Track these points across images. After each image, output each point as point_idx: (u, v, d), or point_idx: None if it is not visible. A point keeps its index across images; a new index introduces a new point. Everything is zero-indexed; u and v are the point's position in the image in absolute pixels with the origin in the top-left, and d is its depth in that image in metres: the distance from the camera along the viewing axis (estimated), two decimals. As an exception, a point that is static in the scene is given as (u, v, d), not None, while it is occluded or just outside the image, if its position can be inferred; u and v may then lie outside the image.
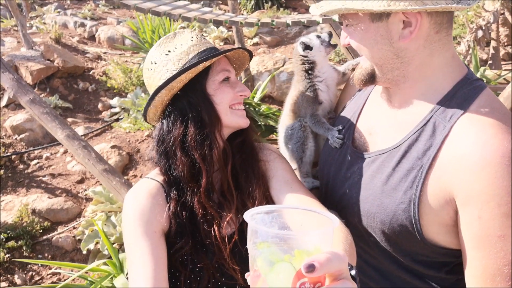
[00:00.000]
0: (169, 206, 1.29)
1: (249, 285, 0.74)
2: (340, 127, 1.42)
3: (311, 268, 0.64)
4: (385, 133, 1.25)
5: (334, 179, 1.37)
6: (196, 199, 1.29)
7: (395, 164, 1.16)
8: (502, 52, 6.66)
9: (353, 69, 1.57)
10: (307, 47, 1.54)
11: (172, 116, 1.32)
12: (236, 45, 6.18)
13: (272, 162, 1.40)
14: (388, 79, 1.19)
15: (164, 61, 1.31)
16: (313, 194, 1.53)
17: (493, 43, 6.24)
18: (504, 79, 5.37)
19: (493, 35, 6.16)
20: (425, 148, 1.11)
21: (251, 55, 1.45)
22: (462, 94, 1.12)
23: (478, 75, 5.49)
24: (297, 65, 1.58)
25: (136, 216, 1.25)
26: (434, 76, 1.16)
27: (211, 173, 1.31)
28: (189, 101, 1.30)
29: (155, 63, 1.33)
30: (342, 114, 1.48)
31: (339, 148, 1.38)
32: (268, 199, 1.33)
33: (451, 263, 1.18)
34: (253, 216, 0.76)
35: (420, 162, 1.11)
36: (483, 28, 5.90)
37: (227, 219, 1.29)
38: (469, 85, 1.13)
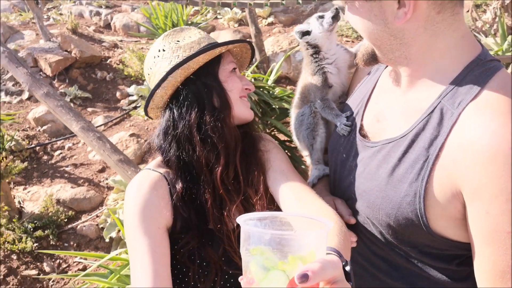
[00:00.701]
0: (173, 198, 1.27)
1: None
2: (349, 113, 1.36)
3: (304, 278, 0.64)
4: (393, 120, 1.18)
5: (341, 168, 1.32)
6: (207, 186, 1.28)
7: (401, 154, 1.10)
8: (532, 18, 6.27)
9: None
10: (304, 33, 1.47)
11: (185, 100, 1.30)
12: (250, 26, 6.06)
13: (270, 153, 1.38)
14: (390, 59, 1.13)
15: (174, 48, 1.31)
16: (325, 182, 1.50)
17: (522, 9, 5.87)
18: (534, 47, 5.06)
19: (522, 0, 5.79)
20: (432, 137, 1.04)
21: (253, 52, 1.48)
22: (473, 77, 1.03)
23: (505, 44, 5.19)
24: (303, 50, 1.52)
25: (139, 211, 1.23)
26: (441, 58, 1.07)
27: (229, 155, 1.30)
28: (204, 83, 1.29)
29: (164, 50, 1.32)
30: (351, 99, 1.42)
31: (347, 136, 1.32)
32: (267, 189, 1.31)
33: (462, 256, 1.12)
34: (246, 221, 0.75)
35: (427, 153, 1.04)
36: (511, -7, 5.54)
37: (235, 206, 1.28)
38: (481, 66, 1.04)
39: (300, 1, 3.46)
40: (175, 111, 1.30)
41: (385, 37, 1.07)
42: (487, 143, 0.93)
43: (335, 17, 1.45)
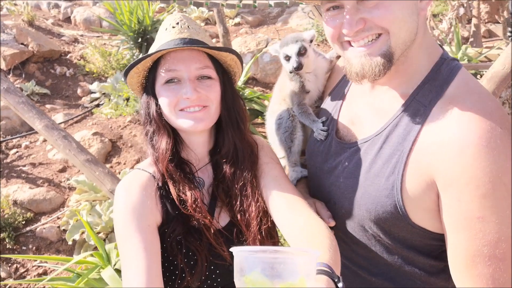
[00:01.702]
0: (161, 194, 1.29)
1: None
2: (324, 119, 1.41)
3: None
4: (367, 121, 1.25)
5: (321, 170, 1.37)
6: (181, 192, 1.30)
7: (377, 150, 1.17)
8: (483, 29, 6.70)
9: (338, 56, 1.53)
10: (288, 56, 1.49)
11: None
12: (217, 26, 6.04)
13: (263, 158, 1.39)
14: (398, 61, 1.12)
15: (156, 38, 1.35)
16: (303, 184, 1.54)
17: (474, 21, 6.26)
18: (485, 57, 5.42)
19: (474, 12, 6.17)
20: (405, 132, 1.11)
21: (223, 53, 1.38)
22: (440, 76, 1.12)
23: (460, 53, 5.52)
24: (282, 60, 1.53)
25: (128, 210, 1.24)
26: (421, 56, 1.15)
27: (163, 158, 1.32)
28: (145, 92, 1.36)
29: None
30: (325, 104, 1.47)
31: (324, 140, 1.37)
32: (259, 196, 1.32)
33: (439, 248, 1.19)
34: (239, 253, 0.79)
35: (401, 147, 1.11)
36: (465, 5, 5.90)
37: (216, 216, 1.31)
38: (446, 65, 1.14)
39: (272, 4, 3.50)
40: (142, 101, 1.37)
41: (414, 31, 1.09)
42: (457, 136, 1.01)
43: (300, 54, 1.46)
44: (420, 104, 1.11)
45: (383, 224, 1.18)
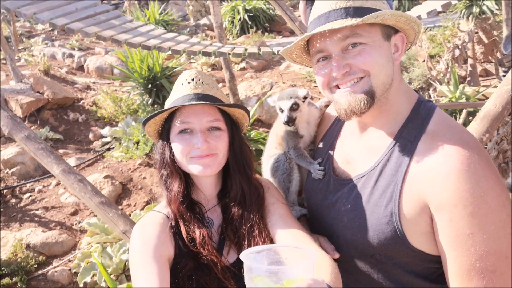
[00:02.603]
0: (174, 232, 1.40)
1: None
2: (320, 160, 1.54)
3: None
4: (361, 159, 1.39)
5: (321, 206, 1.48)
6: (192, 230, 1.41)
7: (373, 183, 1.30)
8: (479, 68, 6.94)
9: (326, 106, 1.69)
10: (282, 109, 1.64)
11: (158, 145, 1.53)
12: (224, 71, 6.33)
13: (269, 198, 1.50)
14: (380, 101, 1.29)
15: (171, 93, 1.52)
16: (303, 221, 1.63)
17: (470, 61, 6.51)
18: (483, 95, 5.60)
19: (469, 53, 6.43)
20: (396, 165, 1.27)
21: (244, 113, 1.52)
22: (420, 116, 1.31)
23: (457, 92, 5.71)
24: (278, 110, 1.68)
25: (143, 242, 1.36)
26: (400, 100, 1.33)
27: (175, 199, 1.44)
28: (161, 139, 1.50)
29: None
30: (320, 146, 1.61)
31: (322, 179, 1.50)
32: (266, 236, 1.41)
33: (436, 271, 1.29)
34: (247, 255, 0.93)
35: (395, 178, 1.26)
36: (460, 47, 6.17)
37: (224, 254, 1.41)
38: (423, 106, 1.33)
39: (276, 52, 3.74)
40: (158, 146, 1.51)
41: (390, 74, 1.29)
42: (442, 164, 1.17)
43: (292, 109, 1.60)
44: (407, 140, 1.28)
45: (385, 250, 1.29)
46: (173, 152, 1.46)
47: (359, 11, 1.23)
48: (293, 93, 1.62)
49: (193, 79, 1.46)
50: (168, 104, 1.46)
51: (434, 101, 5.79)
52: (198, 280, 1.36)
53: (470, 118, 4.86)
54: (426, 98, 1.40)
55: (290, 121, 1.59)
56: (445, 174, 1.16)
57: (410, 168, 1.24)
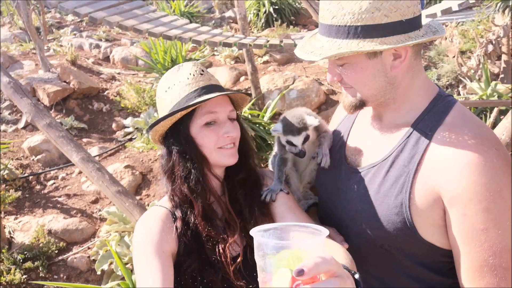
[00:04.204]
0: (176, 227, 1.38)
1: None
2: (283, 188, 1.49)
3: (300, 273, 0.76)
4: (374, 149, 1.37)
5: (332, 196, 1.47)
6: (198, 222, 1.39)
7: (385, 173, 1.29)
8: (514, 65, 6.61)
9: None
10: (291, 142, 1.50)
11: (168, 147, 1.44)
12: (247, 64, 6.28)
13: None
14: (381, 102, 1.32)
15: (163, 98, 1.44)
16: (311, 213, 1.60)
17: (504, 57, 6.20)
18: (517, 93, 5.33)
19: (503, 49, 6.12)
20: (410, 156, 1.24)
21: (245, 96, 1.50)
22: (438, 109, 1.28)
23: (489, 89, 5.45)
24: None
25: (146, 237, 1.34)
26: (414, 95, 1.30)
27: (203, 202, 1.39)
28: (173, 141, 1.41)
29: (160, 98, 1.46)
30: (334, 135, 1.57)
31: (334, 169, 1.46)
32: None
33: (447, 265, 1.26)
34: (256, 233, 0.91)
35: (407, 169, 1.23)
36: (493, 42, 5.87)
37: (230, 242, 1.37)
38: (442, 100, 1.30)
39: (297, 43, 3.65)
40: (163, 154, 1.46)
41: (383, 85, 1.27)
42: (459, 157, 1.15)
43: (304, 143, 1.47)
44: (422, 131, 1.25)
45: (394, 241, 1.27)
46: (198, 149, 1.40)
47: (352, 31, 1.17)
48: (302, 124, 1.46)
49: (202, 72, 1.44)
50: (173, 105, 1.40)
51: (464, 99, 5.58)
52: (202, 279, 1.34)
53: (502, 117, 4.62)
54: (455, 95, 1.32)
55: (303, 155, 1.47)
56: (462, 167, 1.13)
57: (424, 159, 1.21)
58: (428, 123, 1.26)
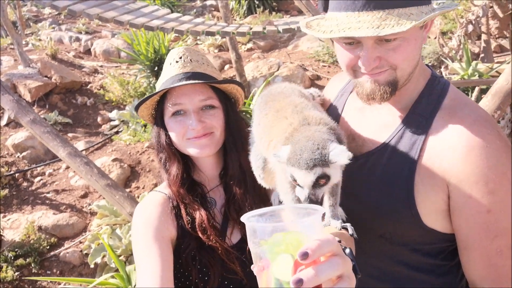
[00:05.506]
0: (175, 213, 1.39)
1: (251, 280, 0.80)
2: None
3: (305, 256, 0.72)
4: (370, 135, 1.33)
5: None
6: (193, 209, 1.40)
7: (386, 161, 1.26)
8: (493, 44, 6.72)
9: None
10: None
11: (154, 127, 1.50)
12: (230, 52, 6.24)
13: None
14: (406, 80, 1.22)
15: (162, 72, 1.47)
16: None
17: (484, 37, 6.30)
18: (497, 71, 5.43)
19: (483, 28, 6.21)
20: (411, 142, 1.22)
21: (225, 86, 1.46)
22: (435, 92, 1.26)
23: (470, 69, 5.55)
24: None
25: (145, 223, 1.35)
26: (417, 74, 1.26)
27: (174, 182, 1.42)
28: (155, 123, 1.47)
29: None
30: None
31: None
32: None
33: (447, 249, 1.27)
34: (249, 219, 0.85)
35: (409, 156, 1.22)
36: (473, 22, 5.95)
37: (231, 231, 1.40)
38: (437, 82, 1.28)
39: (281, 30, 3.66)
40: (153, 130, 1.49)
41: (417, 61, 1.21)
42: (463, 141, 1.13)
43: (317, 184, 1.04)
44: (421, 116, 1.23)
45: (395, 229, 1.27)
46: (168, 135, 1.42)
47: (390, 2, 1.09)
48: (319, 155, 0.97)
49: (180, 58, 1.41)
50: (158, 86, 1.42)
51: (446, 79, 5.67)
52: (201, 261, 1.35)
53: (483, 96, 4.73)
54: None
55: (313, 202, 1.02)
56: (466, 150, 1.12)
57: (426, 145, 1.19)
58: (426, 107, 1.23)
